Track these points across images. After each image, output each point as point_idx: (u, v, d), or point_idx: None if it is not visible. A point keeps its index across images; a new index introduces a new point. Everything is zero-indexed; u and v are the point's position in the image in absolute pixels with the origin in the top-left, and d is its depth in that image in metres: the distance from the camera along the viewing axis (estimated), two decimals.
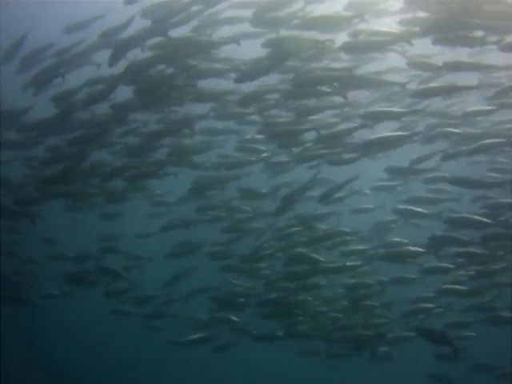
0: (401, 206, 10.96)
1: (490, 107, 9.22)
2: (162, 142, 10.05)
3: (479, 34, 7.55)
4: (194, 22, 8.63)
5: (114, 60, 8.70)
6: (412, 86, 9.14)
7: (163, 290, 13.22)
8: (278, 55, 8.42)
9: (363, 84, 8.68)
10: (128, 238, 12.81)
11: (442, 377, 13.70)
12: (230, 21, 8.94)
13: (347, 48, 8.26)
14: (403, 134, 9.59)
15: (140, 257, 12.65)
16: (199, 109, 9.89)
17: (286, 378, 22.12)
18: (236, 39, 8.83)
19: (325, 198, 10.58)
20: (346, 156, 10.16)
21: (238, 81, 8.85)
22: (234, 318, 12.33)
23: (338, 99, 9.72)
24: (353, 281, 11.46)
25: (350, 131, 9.50)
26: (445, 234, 9.89)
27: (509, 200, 9.86)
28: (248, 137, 10.63)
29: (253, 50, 8.77)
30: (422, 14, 8.00)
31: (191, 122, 9.97)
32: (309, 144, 10.06)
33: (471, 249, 10.00)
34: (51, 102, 9.84)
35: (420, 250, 10.30)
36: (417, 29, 8.00)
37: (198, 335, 12.57)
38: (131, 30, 8.92)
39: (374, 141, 9.34)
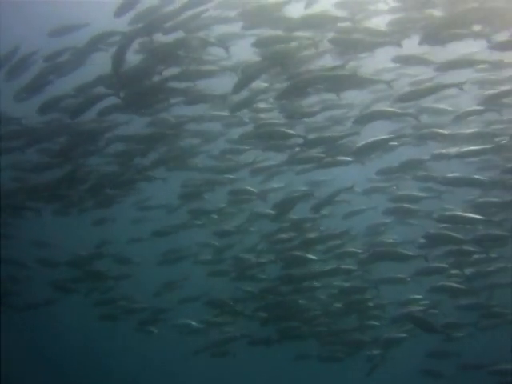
0: (391, 206, 10.96)
1: (480, 107, 9.25)
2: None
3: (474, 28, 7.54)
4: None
5: (118, 65, 8.60)
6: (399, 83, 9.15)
7: (155, 298, 13.13)
8: (272, 57, 8.36)
9: (349, 83, 8.60)
10: (119, 244, 12.71)
11: (433, 372, 13.71)
12: (219, 21, 8.85)
13: (336, 42, 8.11)
14: (393, 137, 9.61)
15: (130, 260, 12.56)
16: (186, 111, 9.81)
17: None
18: (224, 43, 8.71)
19: (318, 208, 10.56)
20: (337, 159, 10.15)
21: (235, 91, 8.80)
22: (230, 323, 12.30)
23: (327, 102, 9.78)
24: (347, 284, 11.44)
25: (340, 137, 9.51)
26: (439, 231, 9.85)
27: (498, 199, 9.89)
28: (237, 139, 10.52)
29: (242, 50, 8.74)
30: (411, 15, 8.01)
31: (181, 125, 9.91)
32: (298, 149, 10.01)
33: (465, 247, 9.99)
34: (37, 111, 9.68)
35: (410, 253, 10.28)
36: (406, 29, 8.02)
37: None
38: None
39: (364, 146, 9.35)
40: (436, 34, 7.56)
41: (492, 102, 8.99)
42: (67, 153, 9.69)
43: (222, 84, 8.98)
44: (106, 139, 9.86)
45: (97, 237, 12.53)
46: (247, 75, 8.63)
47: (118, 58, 8.53)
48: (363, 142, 9.35)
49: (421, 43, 7.77)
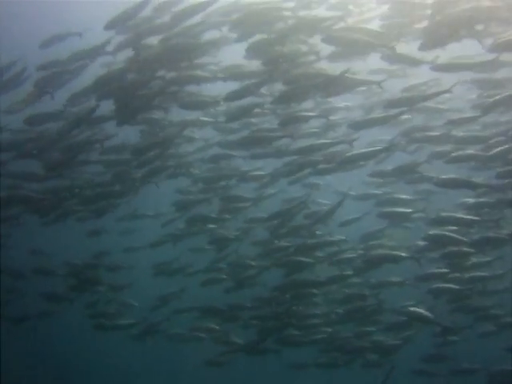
0: (385, 210, 10.94)
1: (473, 114, 9.27)
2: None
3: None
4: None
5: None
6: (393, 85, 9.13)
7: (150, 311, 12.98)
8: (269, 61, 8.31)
9: (341, 85, 8.56)
10: (115, 254, 12.58)
11: (426, 372, 13.70)
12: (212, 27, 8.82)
13: (329, 41, 8.09)
14: (383, 148, 9.55)
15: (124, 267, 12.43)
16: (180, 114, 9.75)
17: None
18: (214, 44, 8.72)
19: (317, 223, 10.52)
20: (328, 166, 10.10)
21: (229, 99, 8.83)
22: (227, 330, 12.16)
23: (322, 107, 9.76)
24: (347, 290, 11.40)
25: (332, 144, 9.50)
26: (438, 232, 9.82)
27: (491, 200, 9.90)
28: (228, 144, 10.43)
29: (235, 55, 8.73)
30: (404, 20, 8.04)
31: (176, 133, 9.86)
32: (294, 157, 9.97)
33: (464, 248, 9.99)
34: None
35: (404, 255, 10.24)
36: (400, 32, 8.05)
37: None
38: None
39: (353, 156, 9.36)
40: (437, 38, 7.55)
41: (489, 110, 9.00)
42: (59, 163, 9.60)
43: (217, 88, 8.95)
44: (99, 149, 9.79)
45: (89, 246, 12.38)
46: (246, 87, 8.63)
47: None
48: (353, 152, 9.36)
49: (421, 49, 7.78)
